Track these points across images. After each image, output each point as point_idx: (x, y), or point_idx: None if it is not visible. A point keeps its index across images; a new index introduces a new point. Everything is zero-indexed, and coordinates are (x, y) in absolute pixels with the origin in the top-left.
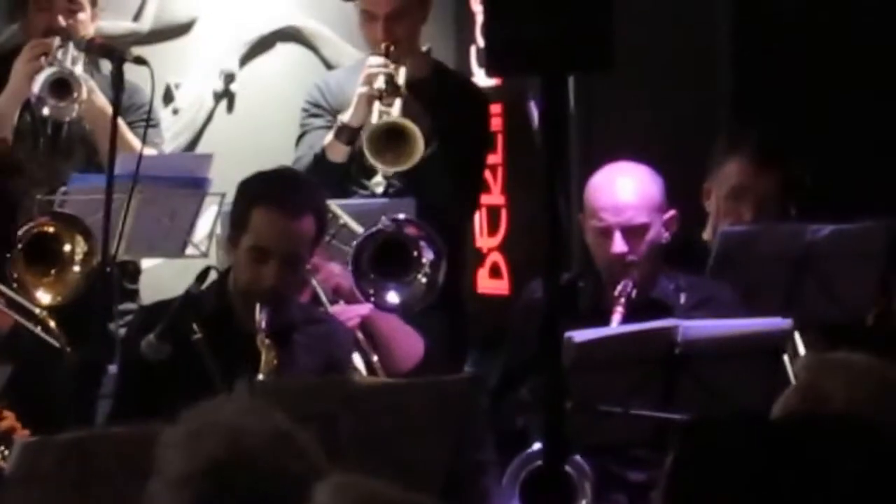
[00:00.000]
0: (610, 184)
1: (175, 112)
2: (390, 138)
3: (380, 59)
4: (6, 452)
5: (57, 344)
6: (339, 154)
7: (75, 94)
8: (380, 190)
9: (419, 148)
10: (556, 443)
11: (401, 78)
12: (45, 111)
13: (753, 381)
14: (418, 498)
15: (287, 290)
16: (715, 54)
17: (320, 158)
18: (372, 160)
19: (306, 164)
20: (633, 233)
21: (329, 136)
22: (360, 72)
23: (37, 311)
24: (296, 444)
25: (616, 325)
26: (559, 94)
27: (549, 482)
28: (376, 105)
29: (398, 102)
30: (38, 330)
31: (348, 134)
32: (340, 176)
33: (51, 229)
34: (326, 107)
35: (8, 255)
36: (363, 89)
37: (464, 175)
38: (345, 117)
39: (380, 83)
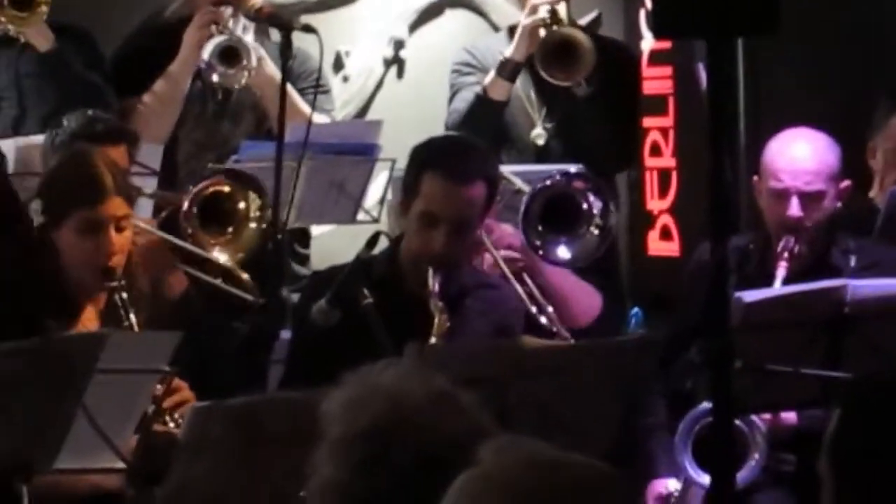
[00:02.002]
0: (790, 148)
1: (345, 80)
2: (560, 54)
3: None
4: (180, 420)
5: (250, 297)
6: (502, 92)
7: (244, 62)
8: (540, 142)
9: (589, 59)
10: (724, 403)
11: (562, 10)
12: (215, 78)
13: None
14: (579, 458)
15: (457, 255)
16: (882, 17)
17: (482, 97)
18: (545, 76)
19: (467, 103)
20: (809, 198)
21: (491, 74)
22: (505, 39)
23: (229, 265)
24: (458, 406)
25: (780, 281)
26: (727, 57)
27: (721, 438)
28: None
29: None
30: (228, 286)
31: (511, 68)
32: (502, 120)
33: (225, 188)
34: (477, 65)
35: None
36: (527, 20)
37: (618, 126)
38: (508, 51)
39: (544, 13)
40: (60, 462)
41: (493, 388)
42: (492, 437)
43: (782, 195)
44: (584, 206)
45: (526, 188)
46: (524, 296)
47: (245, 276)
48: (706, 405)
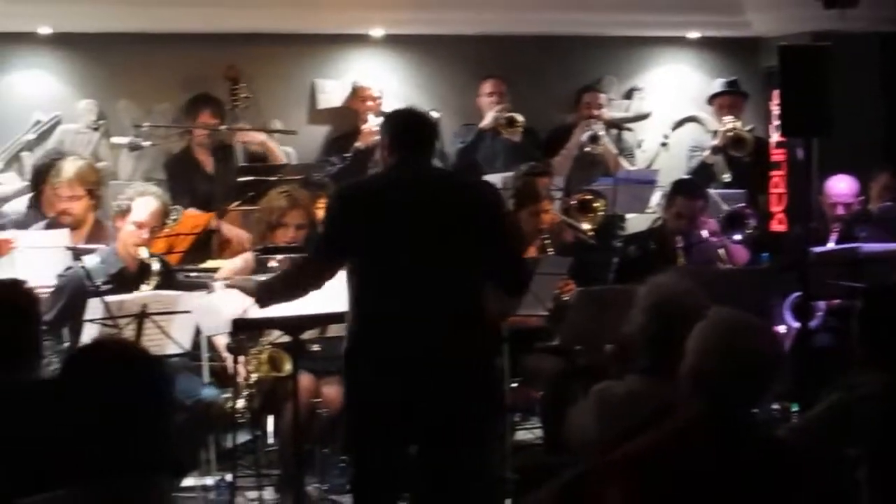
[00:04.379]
0: (837, 182)
1: (643, 151)
2: (737, 142)
3: (731, 117)
4: (568, 297)
5: (586, 238)
6: (711, 160)
7: (602, 143)
8: (727, 179)
9: (750, 145)
10: (806, 295)
11: (738, 123)
12: (587, 149)
13: None
14: (751, 315)
15: (690, 230)
16: (881, 124)
17: (702, 162)
18: (731, 152)
19: (696, 164)
20: (845, 206)
21: (707, 151)
22: (712, 136)
23: (584, 228)
24: (696, 293)
25: (833, 242)
26: (810, 143)
27: (804, 307)
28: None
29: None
30: (581, 234)
31: (716, 149)
32: (710, 171)
33: (587, 196)
34: (700, 148)
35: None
36: (722, 128)
37: (761, 174)
38: (714, 142)
39: (730, 125)
40: (520, 311)
41: (705, 287)
42: (711, 307)
43: (833, 205)
44: (745, 217)
45: (723, 205)
46: (718, 248)
47: (592, 233)
48: (798, 293)
